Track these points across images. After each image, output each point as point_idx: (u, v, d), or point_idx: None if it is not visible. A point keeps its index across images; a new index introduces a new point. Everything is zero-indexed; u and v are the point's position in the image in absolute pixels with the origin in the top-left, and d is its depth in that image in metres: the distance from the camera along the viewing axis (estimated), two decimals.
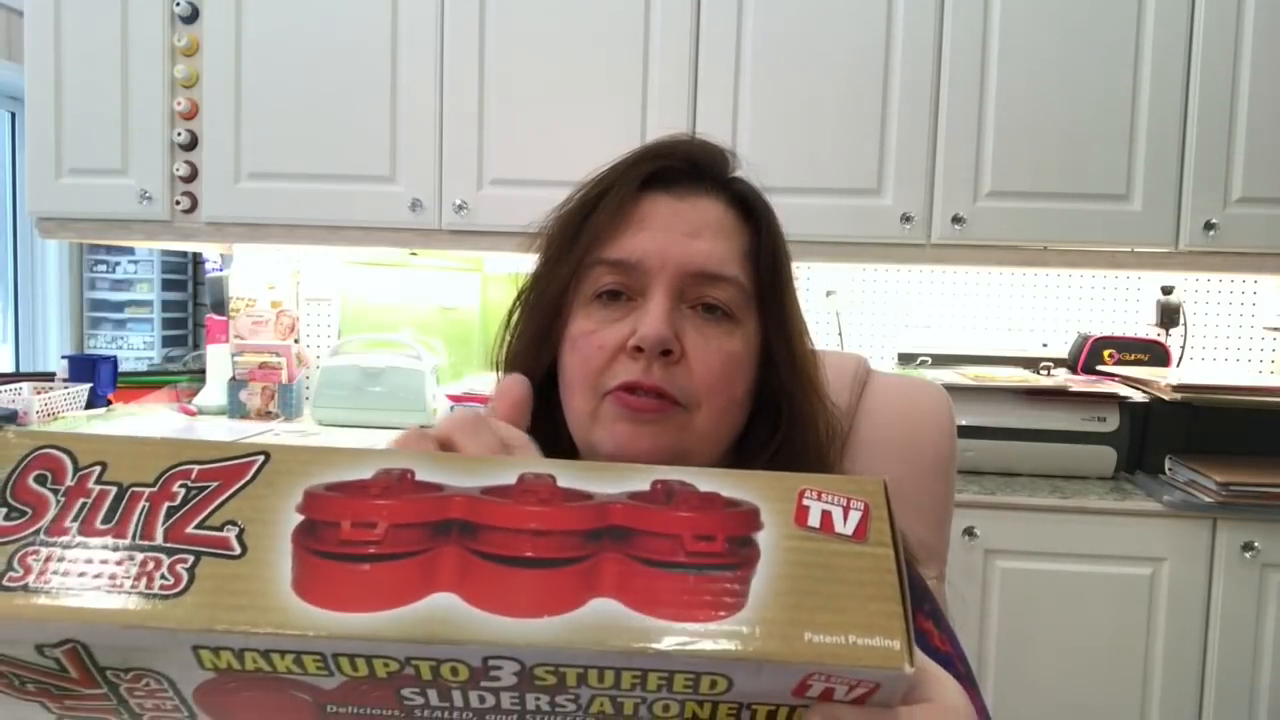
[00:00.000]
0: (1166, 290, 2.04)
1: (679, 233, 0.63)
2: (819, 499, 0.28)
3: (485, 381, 1.98)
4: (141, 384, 2.28)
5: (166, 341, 2.61)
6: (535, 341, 0.66)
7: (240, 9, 1.84)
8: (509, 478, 0.29)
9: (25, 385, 2.01)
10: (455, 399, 1.87)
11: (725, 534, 0.28)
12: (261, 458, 0.29)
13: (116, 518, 0.28)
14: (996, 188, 1.73)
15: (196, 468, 0.29)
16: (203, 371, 2.27)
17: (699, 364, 0.61)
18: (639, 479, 0.29)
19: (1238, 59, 1.68)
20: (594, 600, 0.26)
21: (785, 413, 0.65)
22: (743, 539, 0.28)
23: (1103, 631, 1.58)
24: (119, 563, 0.27)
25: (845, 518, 0.28)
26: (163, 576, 0.27)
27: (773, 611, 0.26)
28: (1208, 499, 1.55)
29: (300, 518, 0.28)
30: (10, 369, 2.62)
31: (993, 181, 1.73)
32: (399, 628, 0.26)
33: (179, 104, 1.86)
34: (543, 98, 1.79)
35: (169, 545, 0.27)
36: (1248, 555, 1.55)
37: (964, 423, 1.58)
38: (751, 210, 0.67)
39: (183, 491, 0.29)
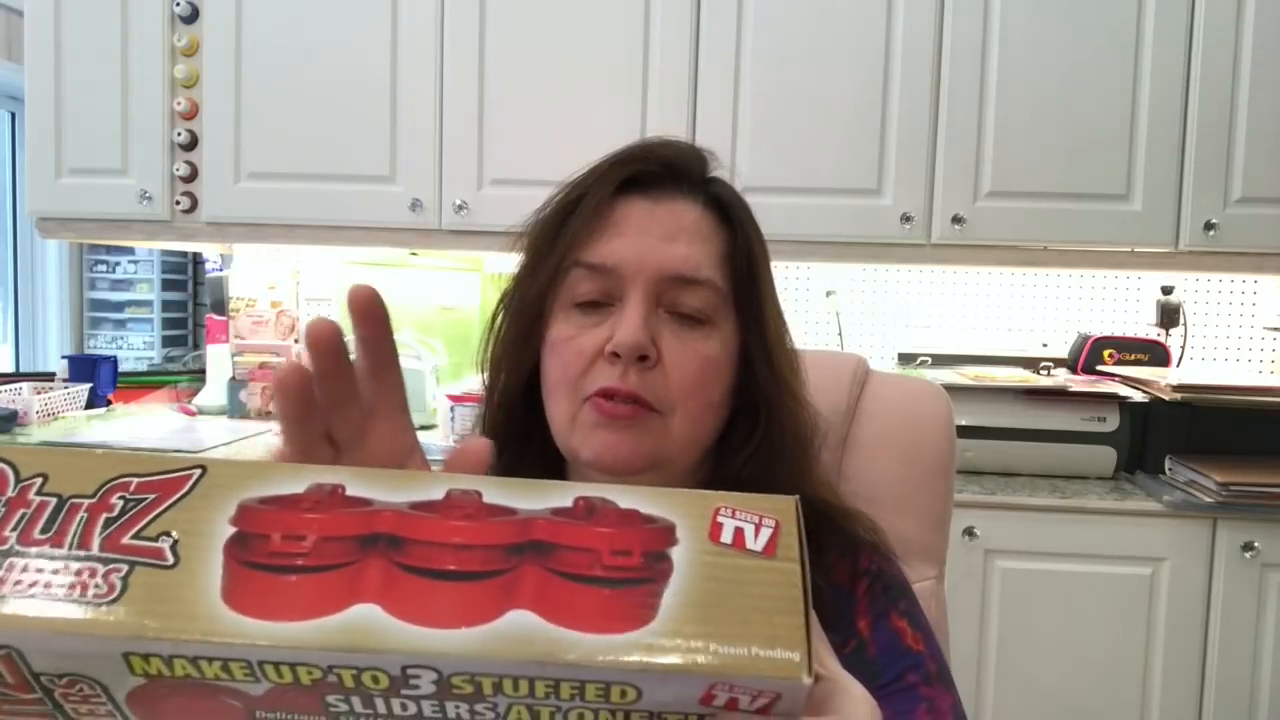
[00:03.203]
0: (1166, 290, 2.04)
1: (655, 237, 0.63)
2: (733, 516, 0.30)
3: (478, 383, 1.98)
4: (141, 384, 2.28)
5: (166, 341, 2.61)
6: (517, 344, 0.66)
7: (240, 9, 1.84)
8: (437, 493, 0.30)
9: (25, 385, 2.01)
10: (455, 399, 1.87)
11: (641, 549, 0.29)
12: (199, 471, 0.30)
13: (55, 528, 0.29)
14: (996, 188, 1.73)
15: (135, 480, 0.30)
16: (203, 371, 2.27)
17: (675, 369, 0.61)
18: (562, 495, 0.30)
19: (1238, 59, 1.68)
20: (511, 612, 0.27)
21: (764, 414, 0.65)
22: (657, 554, 0.29)
23: (1103, 631, 1.58)
24: (55, 571, 0.28)
25: (757, 534, 0.29)
26: (96, 585, 0.27)
27: (681, 624, 0.27)
28: (1208, 499, 1.55)
29: (233, 530, 0.29)
30: (10, 369, 2.62)
31: (993, 181, 1.73)
32: (321, 637, 0.26)
33: (179, 104, 1.86)
34: (543, 98, 1.79)
35: (104, 555, 0.28)
36: (1248, 555, 1.55)
37: (964, 423, 1.59)
38: (728, 212, 0.67)
39: (120, 503, 0.29)
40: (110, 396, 2.16)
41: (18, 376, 2.20)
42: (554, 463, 0.68)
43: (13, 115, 2.64)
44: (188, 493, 0.30)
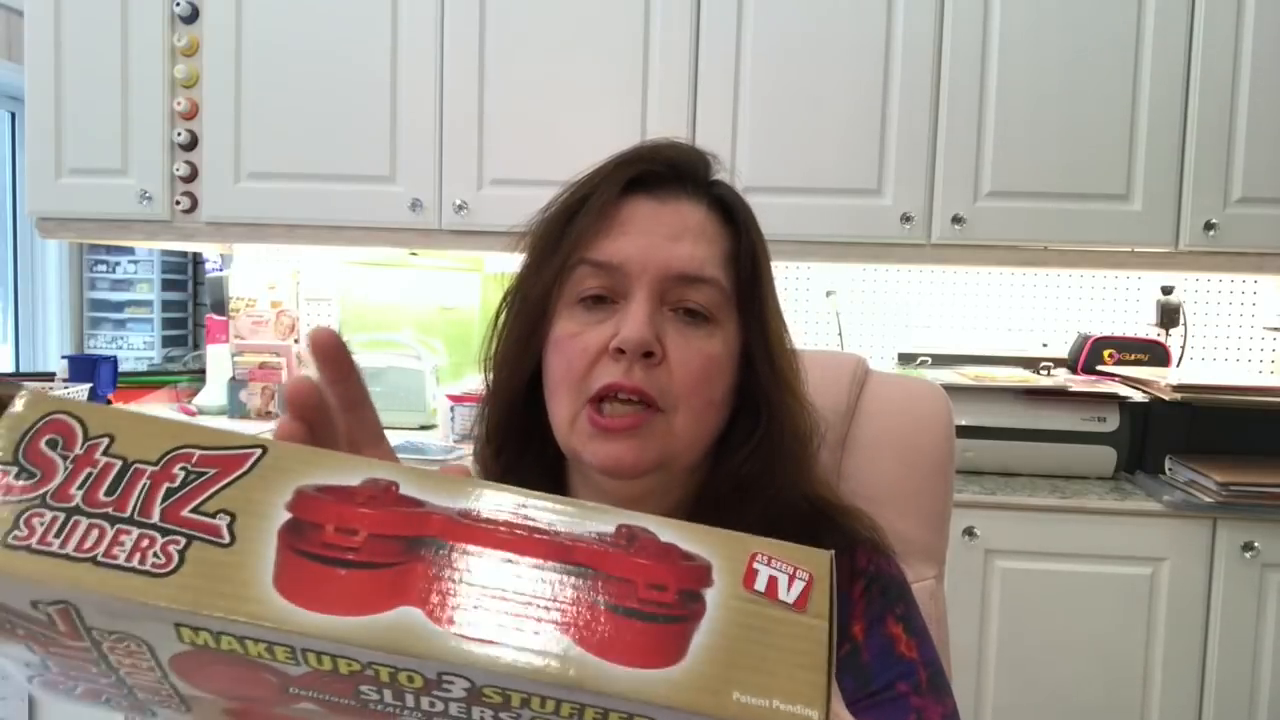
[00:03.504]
0: (1166, 290, 2.04)
1: (660, 236, 0.63)
2: (768, 564, 0.30)
3: (480, 382, 1.98)
4: (141, 384, 2.28)
5: (166, 341, 2.61)
6: (521, 343, 0.66)
7: (240, 9, 1.84)
8: (485, 506, 0.31)
9: (25, 385, 2.00)
10: (455, 399, 1.87)
11: (677, 586, 0.29)
12: (259, 451, 0.31)
13: (119, 491, 0.29)
14: (996, 188, 1.73)
15: (198, 452, 0.31)
16: (203, 371, 2.27)
17: (679, 366, 0.62)
18: (606, 520, 0.31)
19: (1238, 59, 1.68)
20: (550, 632, 0.28)
21: (765, 412, 0.66)
22: (692, 593, 0.29)
23: (1103, 631, 1.58)
24: (116, 536, 0.28)
25: (790, 585, 0.30)
26: (155, 555, 0.28)
27: (707, 666, 0.28)
28: (1208, 499, 1.55)
29: (288, 515, 0.29)
30: (10, 369, 2.62)
31: (993, 181, 1.73)
32: (366, 634, 0.27)
33: (179, 104, 1.86)
34: (543, 97, 1.79)
35: (164, 525, 0.29)
36: (1248, 555, 1.55)
37: (964, 423, 1.59)
38: (732, 214, 0.68)
39: (182, 474, 0.30)
40: (110, 396, 2.16)
41: (18, 376, 2.20)
42: (554, 461, 0.69)
43: (13, 115, 2.64)
44: (247, 471, 0.30)
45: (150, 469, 0.30)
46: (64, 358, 2.22)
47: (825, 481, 0.72)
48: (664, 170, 0.67)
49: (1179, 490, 1.60)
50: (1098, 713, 1.60)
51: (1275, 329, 2.04)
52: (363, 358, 2.03)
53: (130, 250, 2.60)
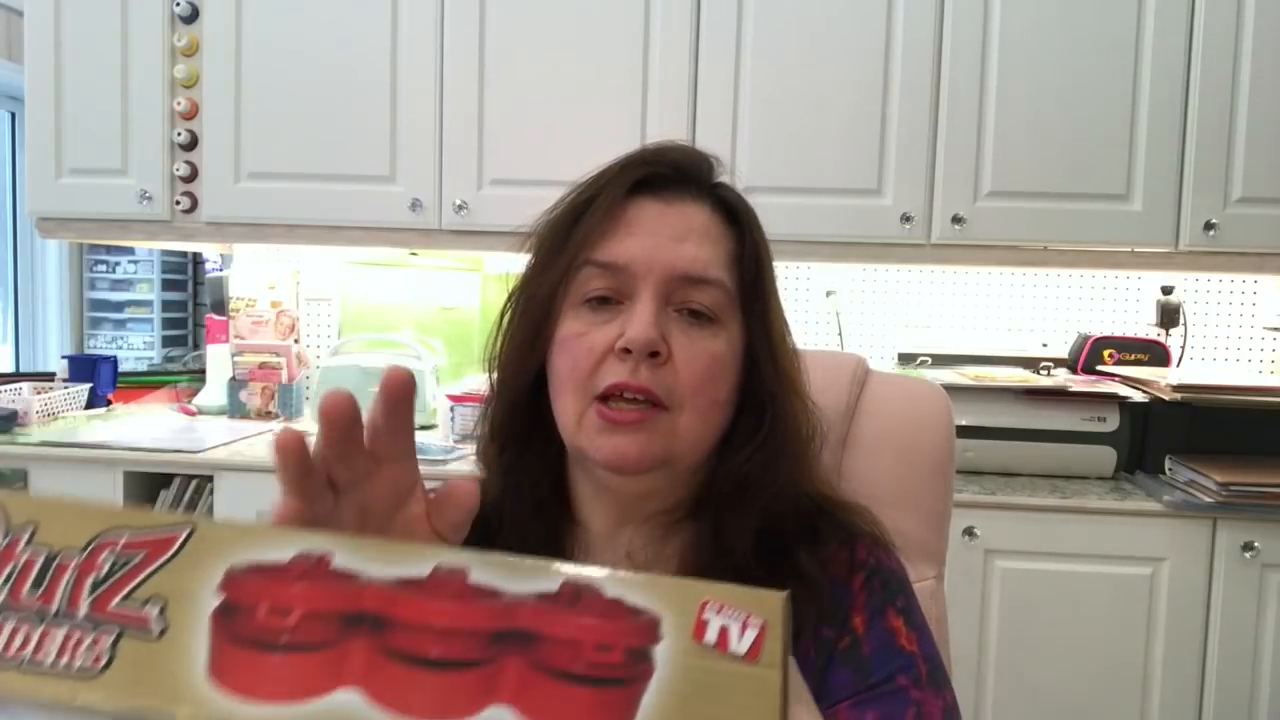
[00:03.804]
0: (1166, 290, 2.04)
1: (666, 237, 0.64)
2: (719, 612, 0.29)
3: (485, 381, 1.98)
4: (141, 384, 2.28)
5: (166, 341, 2.61)
6: (526, 343, 0.67)
7: (240, 9, 1.84)
8: (423, 569, 0.30)
9: (25, 385, 2.01)
10: (455, 399, 1.87)
11: (624, 645, 0.28)
12: (188, 529, 0.30)
13: (44, 586, 0.29)
14: (996, 188, 1.73)
15: (125, 535, 0.30)
16: (203, 371, 2.27)
17: (684, 366, 0.63)
18: (549, 578, 0.30)
19: (1238, 59, 1.68)
20: (491, 707, 0.27)
21: (769, 411, 0.66)
22: (640, 651, 0.28)
23: (1103, 631, 1.58)
24: (44, 635, 0.28)
25: (742, 634, 0.29)
26: (85, 653, 0.28)
27: None
28: (1208, 499, 1.55)
29: (220, 598, 0.29)
30: (10, 369, 2.62)
31: (993, 181, 1.73)
32: None
33: (179, 104, 1.86)
34: (543, 98, 1.79)
35: (93, 618, 0.28)
36: (1248, 555, 1.55)
37: (964, 423, 1.59)
38: (735, 215, 0.69)
39: (110, 561, 0.30)
40: (110, 396, 2.16)
41: (18, 376, 2.20)
42: (556, 459, 0.69)
43: (13, 115, 2.64)
44: (176, 553, 0.30)
45: (76, 558, 0.29)
46: (64, 358, 2.22)
47: (826, 480, 0.73)
48: (669, 172, 0.67)
49: (1179, 490, 1.60)
50: (1098, 713, 1.60)
51: (1275, 329, 2.04)
52: (363, 358, 2.03)
53: (130, 250, 2.61)
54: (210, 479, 1.75)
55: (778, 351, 0.67)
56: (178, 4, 1.84)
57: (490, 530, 0.68)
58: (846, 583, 0.65)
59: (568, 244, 0.65)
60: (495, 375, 0.70)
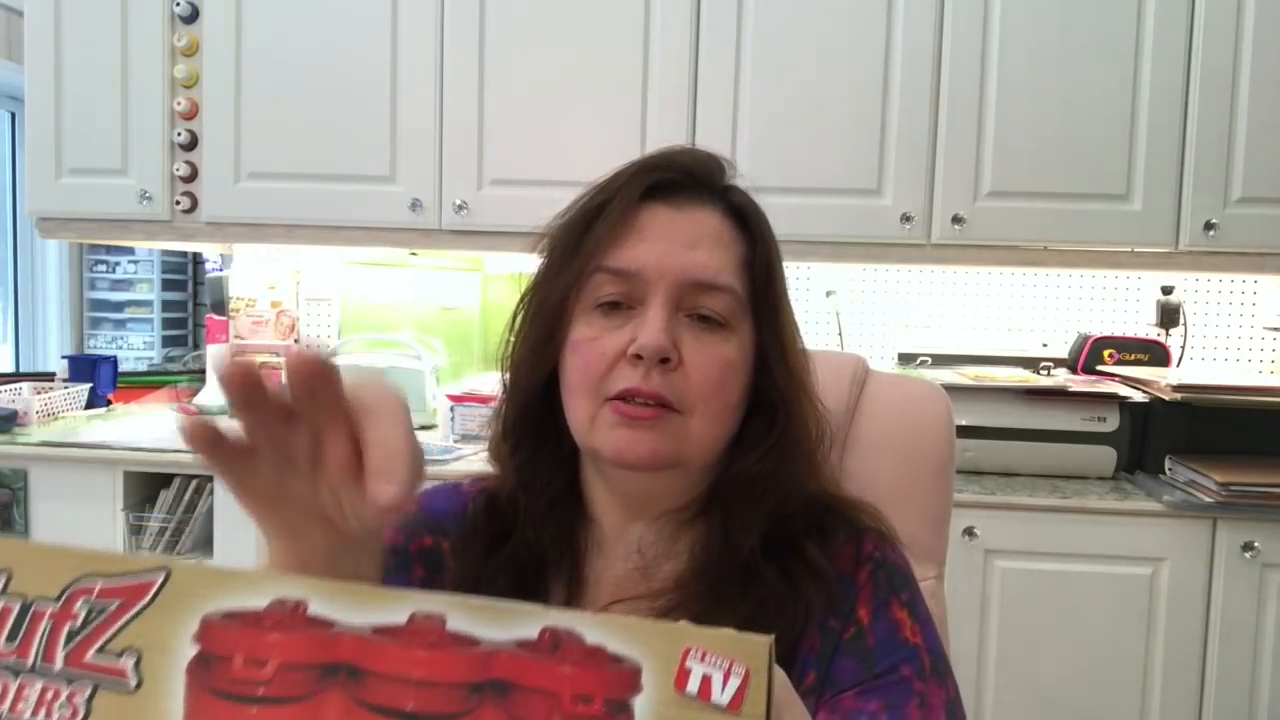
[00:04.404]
0: (1166, 290, 2.04)
1: (677, 243, 0.65)
2: (702, 660, 0.28)
3: (485, 381, 1.98)
4: (141, 384, 2.28)
5: (166, 341, 2.61)
6: (538, 346, 0.67)
7: (240, 9, 1.84)
8: (400, 616, 0.30)
9: (25, 385, 2.01)
10: (455, 399, 1.87)
11: (603, 696, 0.28)
12: (163, 575, 0.30)
13: (20, 638, 0.29)
14: (996, 188, 1.73)
15: (100, 583, 0.30)
16: (203, 371, 2.27)
17: (696, 371, 0.63)
18: (529, 624, 0.29)
19: (1238, 59, 1.68)
20: None
21: (780, 413, 0.67)
22: (619, 703, 0.28)
23: (1103, 631, 1.58)
24: (20, 690, 0.28)
25: (725, 684, 0.28)
26: (61, 708, 0.28)
27: None
28: (1208, 499, 1.55)
29: (196, 649, 0.29)
30: (10, 369, 2.62)
31: (993, 181, 1.73)
32: None
33: (179, 104, 1.86)
34: (543, 98, 1.79)
35: (69, 672, 0.28)
36: (1248, 555, 1.55)
37: (964, 423, 1.59)
38: (746, 220, 0.69)
39: (85, 611, 0.29)
40: (110, 396, 2.16)
41: (18, 376, 2.20)
42: (569, 458, 0.70)
43: (13, 115, 2.64)
44: (151, 601, 0.29)
45: (51, 608, 0.29)
46: (64, 358, 2.22)
47: (833, 480, 0.74)
48: (681, 177, 0.68)
49: (1179, 490, 1.60)
50: (1098, 713, 1.60)
51: (1275, 329, 2.04)
52: (363, 358, 2.03)
53: (130, 250, 2.60)
54: (210, 479, 1.75)
55: (789, 354, 0.68)
56: (178, 4, 1.84)
57: (507, 527, 0.69)
58: (853, 575, 0.66)
59: (580, 249, 0.66)
60: (507, 375, 0.70)
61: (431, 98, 1.82)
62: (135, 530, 1.78)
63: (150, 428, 1.94)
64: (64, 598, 0.29)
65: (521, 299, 0.71)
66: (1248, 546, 1.55)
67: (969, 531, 1.57)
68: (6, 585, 0.30)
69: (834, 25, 1.74)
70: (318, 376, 0.39)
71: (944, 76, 1.73)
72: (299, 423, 0.41)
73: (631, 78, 1.77)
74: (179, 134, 1.86)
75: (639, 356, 0.62)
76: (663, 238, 0.65)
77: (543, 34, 1.78)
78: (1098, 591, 1.58)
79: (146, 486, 1.80)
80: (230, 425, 0.40)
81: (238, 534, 1.71)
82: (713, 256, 0.65)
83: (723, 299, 0.65)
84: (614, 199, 0.66)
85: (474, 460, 1.72)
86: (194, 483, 1.78)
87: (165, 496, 1.80)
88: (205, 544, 1.78)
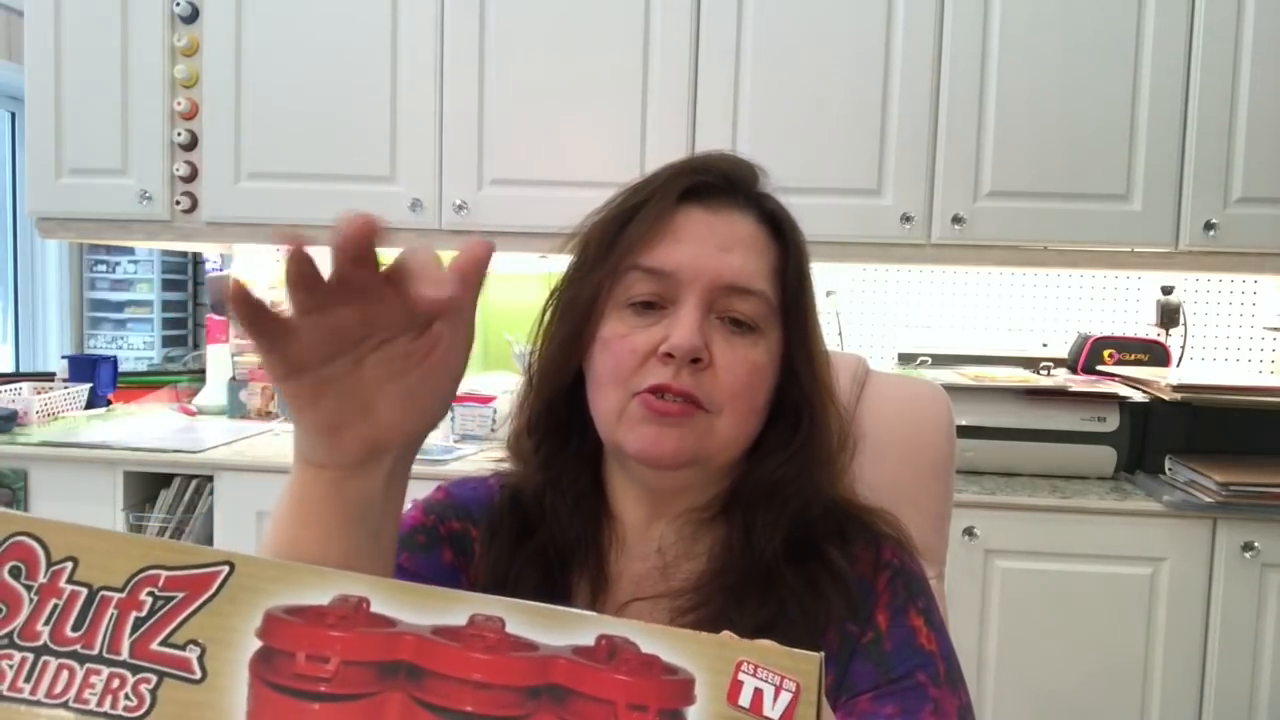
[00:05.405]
0: (1166, 290, 2.04)
1: (712, 246, 0.66)
2: (754, 674, 0.29)
3: (485, 381, 1.98)
4: (141, 384, 2.28)
5: (166, 341, 2.61)
6: (567, 342, 0.68)
7: (240, 9, 1.84)
8: (460, 617, 0.30)
9: (25, 385, 2.01)
10: (455, 399, 1.86)
11: (658, 706, 0.28)
12: (227, 569, 0.30)
13: (86, 625, 0.29)
14: (996, 188, 1.73)
15: (165, 574, 0.30)
16: (203, 371, 2.27)
17: (725, 372, 0.64)
18: (585, 630, 0.30)
19: (1238, 59, 1.68)
20: None
21: (806, 418, 0.68)
22: (673, 713, 0.28)
23: (1103, 631, 1.58)
24: (87, 677, 0.28)
25: (775, 698, 0.29)
26: (127, 697, 0.28)
27: None
28: (1208, 499, 1.55)
29: (259, 643, 0.29)
30: (10, 369, 2.62)
31: (993, 181, 1.73)
32: None
33: (179, 104, 1.86)
34: (543, 98, 1.79)
35: (134, 662, 0.29)
36: (1248, 555, 1.55)
37: (964, 423, 1.58)
38: (781, 228, 0.71)
39: (149, 600, 0.30)
40: (110, 396, 2.16)
41: (18, 376, 2.20)
42: (594, 453, 0.71)
43: (13, 115, 2.64)
44: (215, 593, 0.30)
45: (117, 596, 0.29)
46: (64, 358, 2.22)
47: (851, 486, 0.74)
48: (717, 181, 0.70)
49: (1179, 490, 1.60)
50: (1098, 713, 1.60)
51: (1275, 329, 2.04)
52: None
53: (130, 250, 2.61)
54: (210, 479, 1.75)
55: (815, 361, 0.69)
56: (178, 4, 1.84)
57: (531, 522, 0.69)
58: (871, 581, 0.67)
59: (615, 248, 0.67)
60: (534, 371, 0.71)
61: (431, 98, 1.82)
62: (135, 530, 1.78)
63: (150, 428, 1.94)
64: (130, 587, 0.30)
65: (551, 295, 0.71)
66: (1248, 546, 1.55)
67: (969, 531, 1.58)
68: (73, 573, 0.30)
69: (834, 26, 1.74)
70: (365, 235, 0.42)
71: (944, 76, 1.73)
72: (348, 300, 0.44)
73: (631, 78, 1.77)
74: (179, 134, 1.86)
75: (670, 355, 0.62)
76: (698, 240, 0.66)
77: (543, 34, 1.78)
78: (1098, 591, 1.58)
79: (146, 486, 1.80)
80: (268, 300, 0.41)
81: (238, 534, 1.71)
82: (747, 261, 0.66)
83: (754, 303, 0.65)
84: (651, 200, 0.67)
85: (474, 460, 1.72)
86: (194, 483, 1.78)
87: (165, 496, 1.80)
88: (205, 544, 1.77)
